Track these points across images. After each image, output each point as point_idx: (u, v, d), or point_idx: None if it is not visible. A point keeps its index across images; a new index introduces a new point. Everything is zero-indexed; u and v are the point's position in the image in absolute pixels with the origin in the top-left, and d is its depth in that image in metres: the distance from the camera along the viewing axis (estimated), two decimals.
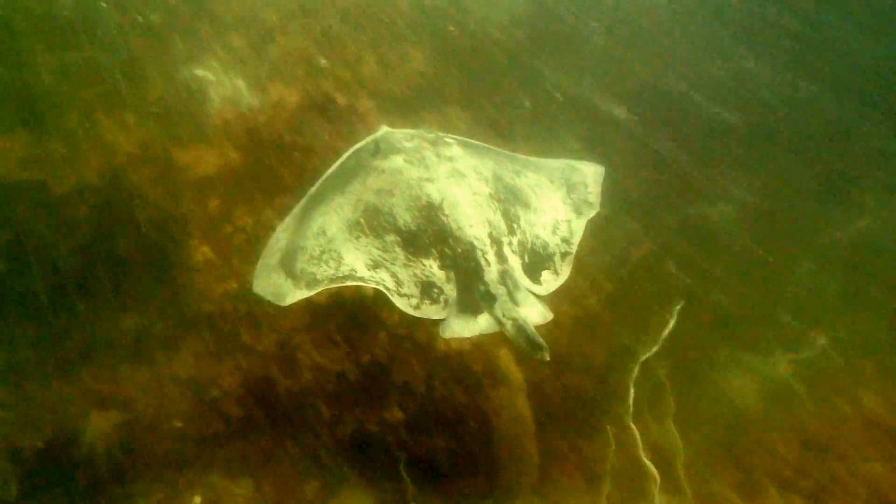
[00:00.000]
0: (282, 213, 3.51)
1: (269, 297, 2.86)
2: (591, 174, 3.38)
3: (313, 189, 3.16)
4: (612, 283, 3.81)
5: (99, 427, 3.10)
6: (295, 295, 2.80)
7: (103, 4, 3.85)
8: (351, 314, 3.47)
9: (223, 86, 3.91)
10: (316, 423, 3.17)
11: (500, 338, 3.44)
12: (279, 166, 3.74)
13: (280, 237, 3.05)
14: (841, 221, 3.99)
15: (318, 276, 2.80)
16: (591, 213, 3.24)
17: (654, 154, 4.28)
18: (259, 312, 3.45)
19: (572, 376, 3.56)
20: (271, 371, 3.38)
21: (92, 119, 3.94)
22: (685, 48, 4.98)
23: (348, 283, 2.85)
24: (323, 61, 4.05)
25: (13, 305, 3.54)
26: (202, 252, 3.55)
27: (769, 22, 5.19)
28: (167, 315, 3.53)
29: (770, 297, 3.70)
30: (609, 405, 3.32)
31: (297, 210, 3.14)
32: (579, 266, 3.85)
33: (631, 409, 3.21)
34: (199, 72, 4.02)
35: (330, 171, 3.18)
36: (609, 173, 3.66)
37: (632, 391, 3.27)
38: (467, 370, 3.43)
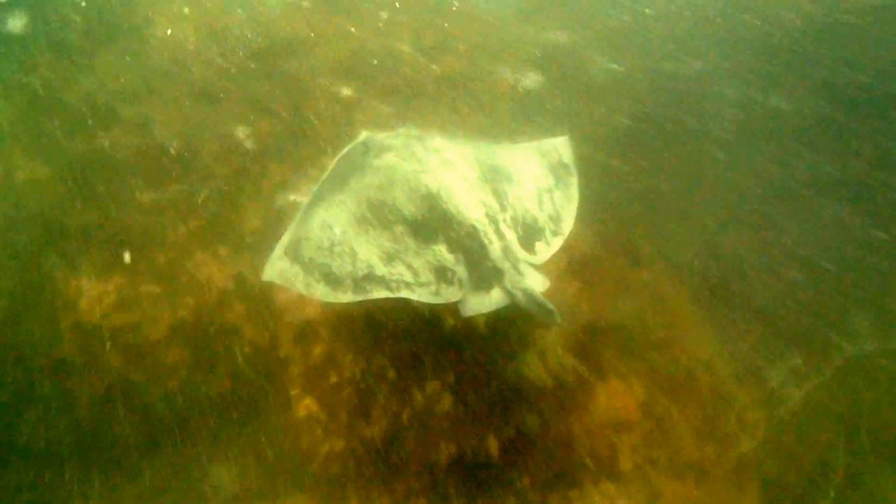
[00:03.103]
0: (394, 360, 3.17)
1: (279, 281, 2.90)
2: (558, 143, 3.47)
3: (310, 196, 3.20)
4: (765, 416, 3.28)
5: None
6: (312, 288, 2.82)
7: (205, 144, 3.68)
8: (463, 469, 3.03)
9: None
10: None
11: None
12: (389, 308, 3.40)
13: (284, 239, 3.07)
14: None
15: (336, 273, 2.83)
16: (570, 179, 3.29)
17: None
18: (370, 474, 3.06)
19: None
20: None
21: (186, 255, 3.74)
22: None
23: (373, 295, 2.79)
24: None
25: (102, 458, 3.28)
26: (305, 405, 3.21)
27: None
28: (266, 471, 3.19)
29: None
30: None
31: (299, 215, 3.15)
32: (720, 397, 3.37)
33: None
34: (294, 197, 3.80)
35: (322, 178, 3.23)
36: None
37: None
38: None
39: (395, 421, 3.11)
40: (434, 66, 4.30)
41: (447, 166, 3.07)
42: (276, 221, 3.88)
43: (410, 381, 3.18)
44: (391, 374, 3.18)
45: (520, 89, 4.36)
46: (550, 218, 3.14)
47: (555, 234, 3.10)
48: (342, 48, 4.58)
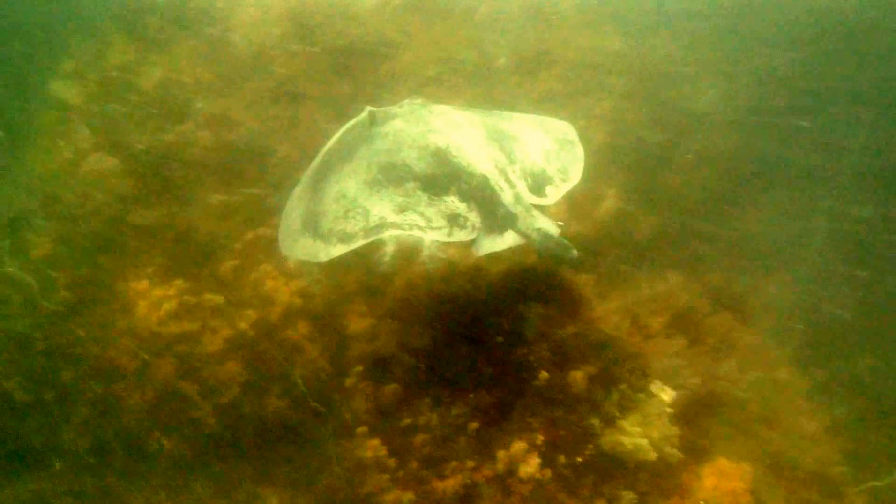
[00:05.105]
0: (477, 411, 2.86)
1: (303, 257, 2.98)
2: (562, 124, 3.58)
3: (315, 163, 3.25)
4: None
5: None
6: (331, 252, 2.89)
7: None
8: None
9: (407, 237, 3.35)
10: None
11: None
12: (475, 353, 3.09)
13: (295, 205, 3.13)
14: None
15: (349, 231, 2.90)
16: (576, 149, 3.38)
17: None
18: None
19: None
20: None
21: (252, 264, 3.50)
22: None
23: (384, 233, 2.86)
24: None
25: (146, 469, 3.07)
26: (371, 446, 2.92)
27: None
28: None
29: None
30: None
31: (305, 180, 3.20)
32: (830, 483, 3.00)
33: None
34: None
35: (326, 147, 3.28)
36: None
37: None
38: None
39: (472, 479, 2.80)
40: (529, 83, 3.98)
41: (454, 126, 3.17)
42: None
43: (494, 436, 2.87)
44: (472, 425, 2.87)
45: (616, 117, 4.03)
46: (559, 170, 3.25)
47: (564, 180, 3.21)
48: (432, 55, 4.30)
